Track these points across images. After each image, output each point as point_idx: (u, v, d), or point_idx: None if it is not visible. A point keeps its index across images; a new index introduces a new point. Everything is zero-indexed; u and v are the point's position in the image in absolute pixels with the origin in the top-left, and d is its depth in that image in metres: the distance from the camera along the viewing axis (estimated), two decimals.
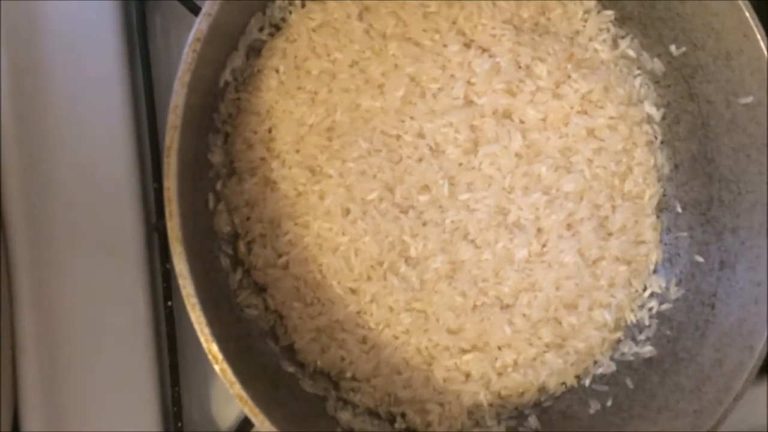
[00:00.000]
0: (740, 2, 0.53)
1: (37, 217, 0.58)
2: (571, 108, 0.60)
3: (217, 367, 0.43)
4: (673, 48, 0.60)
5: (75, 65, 0.60)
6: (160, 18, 0.63)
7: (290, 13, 0.58)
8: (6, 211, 0.57)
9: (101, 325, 0.59)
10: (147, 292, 0.60)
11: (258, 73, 0.57)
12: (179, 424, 0.59)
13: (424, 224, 0.58)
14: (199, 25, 0.45)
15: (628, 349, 0.61)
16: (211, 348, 0.43)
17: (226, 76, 0.55)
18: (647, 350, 0.60)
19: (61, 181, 0.59)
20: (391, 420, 0.58)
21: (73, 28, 0.60)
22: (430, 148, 0.58)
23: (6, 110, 0.58)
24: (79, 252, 0.59)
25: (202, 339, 0.43)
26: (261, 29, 0.57)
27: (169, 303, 0.60)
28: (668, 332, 0.60)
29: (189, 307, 0.43)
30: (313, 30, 0.57)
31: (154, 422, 0.59)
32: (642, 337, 0.61)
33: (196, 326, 0.43)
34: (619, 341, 0.62)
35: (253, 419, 0.46)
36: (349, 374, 0.57)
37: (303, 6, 0.58)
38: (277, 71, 0.57)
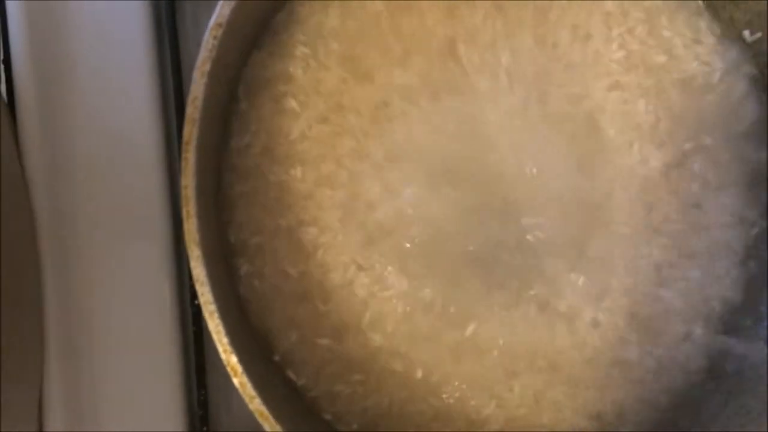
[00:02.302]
0: None
1: (61, 211, 0.56)
2: None
3: (236, 381, 0.40)
4: (746, 33, 0.54)
5: (101, 53, 0.57)
6: (191, 4, 0.60)
7: None
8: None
9: (125, 324, 0.56)
10: (174, 289, 0.57)
11: None
12: (204, 429, 0.57)
13: None
14: (221, 9, 0.41)
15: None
16: (230, 360, 0.40)
17: None
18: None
19: (87, 173, 0.56)
20: None
21: (100, 16, 0.57)
22: None
23: (30, 102, 0.56)
24: (105, 246, 0.56)
25: (220, 349, 0.40)
26: None
27: (197, 302, 0.57)
28: None
29: (206, 315, 0.40)
30: None
31: (180, 424, 0.57)
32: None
33: (214, 335, 0.40)
34: None
35: None
36: None
37: None
38: None
